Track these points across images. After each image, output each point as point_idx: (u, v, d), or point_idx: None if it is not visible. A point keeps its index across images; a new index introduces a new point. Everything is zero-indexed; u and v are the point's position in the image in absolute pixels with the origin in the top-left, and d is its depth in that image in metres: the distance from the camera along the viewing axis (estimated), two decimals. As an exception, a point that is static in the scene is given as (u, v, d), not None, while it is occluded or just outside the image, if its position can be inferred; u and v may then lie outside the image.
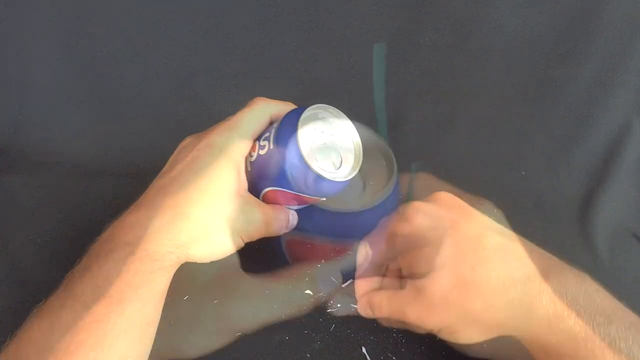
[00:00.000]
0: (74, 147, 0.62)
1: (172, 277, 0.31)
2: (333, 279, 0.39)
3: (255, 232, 0.35)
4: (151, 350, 0.30)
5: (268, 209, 0.36)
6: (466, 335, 0.33)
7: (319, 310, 0.39)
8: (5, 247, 0.48)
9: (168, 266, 0.31)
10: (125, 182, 0.57)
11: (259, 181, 0.36)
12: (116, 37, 0.62)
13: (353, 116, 0.63)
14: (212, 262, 0.32)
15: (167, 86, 0.64)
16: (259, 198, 0.36)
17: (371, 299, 0.36)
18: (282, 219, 0.37)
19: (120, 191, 0.55)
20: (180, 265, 0.32)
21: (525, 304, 0.31)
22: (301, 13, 0.60)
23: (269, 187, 0.35)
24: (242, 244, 0.35)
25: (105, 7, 0.60)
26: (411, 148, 0.62)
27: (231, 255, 0.34)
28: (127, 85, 0.63)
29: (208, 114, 0.41)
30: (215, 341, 0.33)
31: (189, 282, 0.32)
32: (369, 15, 0.59)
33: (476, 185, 0.58)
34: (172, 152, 0.43)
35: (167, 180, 0.34)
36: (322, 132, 0.36)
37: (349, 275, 0.39)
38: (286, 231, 0.37)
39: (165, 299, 0.31)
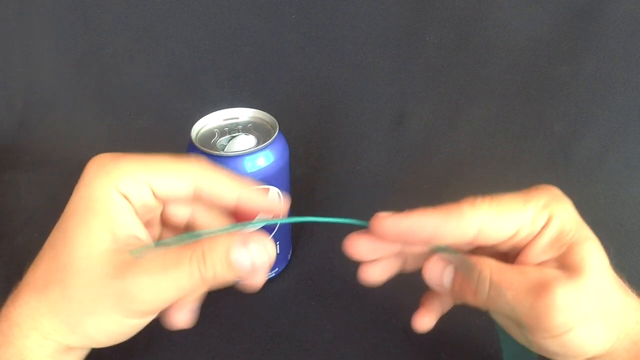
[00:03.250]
0: (79, 144, 0.62)
1: None
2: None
3: (168, 296, 0.26)
4: (56, 336, 0.26)
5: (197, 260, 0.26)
6: (586, 335, 0.27)
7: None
8: (10, 244, 0.48)
9: None
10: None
11: None
12: (121, 34, 0.62)
13: (357, 114, 0.64)
14: (107, 235, 0.26)
15: (172, 83, 0.64)
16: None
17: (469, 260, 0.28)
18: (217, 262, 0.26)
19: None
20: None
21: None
22: (306, 11, 0.60)
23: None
24: (137, 322, 0.27)
25: (110, 4, 0.60)
26: (415, 144, 0.63)
27: (134, 229, 0.27)
28: (132, 82, 0.63)
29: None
30: (125, 324, 0.26)
31: (82, 260, 0.26)
32: (374, 14, 0.59)
33: (478, 181, 0.58)
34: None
35: (42, 251, 0.28)
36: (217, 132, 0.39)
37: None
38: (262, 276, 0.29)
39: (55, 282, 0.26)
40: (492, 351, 0.40)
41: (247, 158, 0.36)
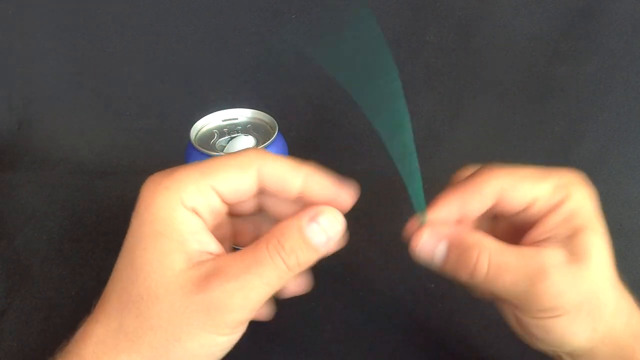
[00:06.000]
0: (79, 144, 0.62)
1: None
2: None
3: (258, 296, 0.24)
4: None
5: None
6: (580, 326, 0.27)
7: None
8: (10, 244, 0.48)
9: None
10: (131, 179, 0.57)
11: None
12: (121, 34, 0.62)
13: (357, 114, 0.63)
14: (180, 256, 0.24)
15: (172, 83, 0.64)
16: None
17: (468, 242, 0.27)
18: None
19: (125, 189, 0.55)
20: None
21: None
22: (307, 11, 0.60)
23: None
24: (226, 340, 0.25)
25: (110, 4, 0.60)
26: (415, 144, 0.63)
27: (207, 245, 0.25)
28: (132, 82, 0.63)
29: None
30: (214, 345, 0.25)
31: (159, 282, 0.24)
32: (374, 14, 0.59)
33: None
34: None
35: (109, 285, 0.26)
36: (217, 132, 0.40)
37: None
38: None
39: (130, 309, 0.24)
40: (492, 351, 0.40)
41: None
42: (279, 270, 0.24)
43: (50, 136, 0.63)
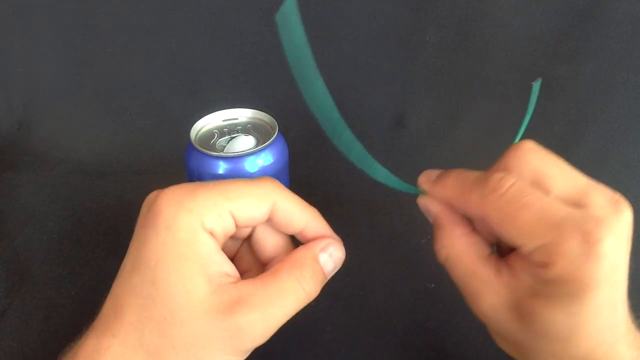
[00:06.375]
0: (79, 144, 0.62)
1: None
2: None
3: (277, 325, 0.27)
4: None
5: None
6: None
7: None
8: (10, 244, 0.48)
9: None
10: (131, 179, 0.57)
11: None
12: (121, 33, 0.62)
13: (357, 114, 0.64)
14: (202, 279, 0.25)
15: (173, 83, 0.64)
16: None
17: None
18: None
19: (125, 188, 0.55)
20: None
21: None
22: (307, 11, 0.60)
23: None
24: (249, 353, 0.27)
25: (110, 4, 0.60)
26: (415, 144, 0.63)
27: (223, 265, 0.27)
28: (133, 81, 0.63)
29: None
30: None
31: (186, 303, 0.25)
32: (374, 13, 0.59)
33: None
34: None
35: (122, 298, 0.26)
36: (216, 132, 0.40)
37: None
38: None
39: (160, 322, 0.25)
40: (492, 351, 0.40)
41: (247, 159, 0.36)
42: (298, 298, 0.27)
43: (50, 136, 0.63)
